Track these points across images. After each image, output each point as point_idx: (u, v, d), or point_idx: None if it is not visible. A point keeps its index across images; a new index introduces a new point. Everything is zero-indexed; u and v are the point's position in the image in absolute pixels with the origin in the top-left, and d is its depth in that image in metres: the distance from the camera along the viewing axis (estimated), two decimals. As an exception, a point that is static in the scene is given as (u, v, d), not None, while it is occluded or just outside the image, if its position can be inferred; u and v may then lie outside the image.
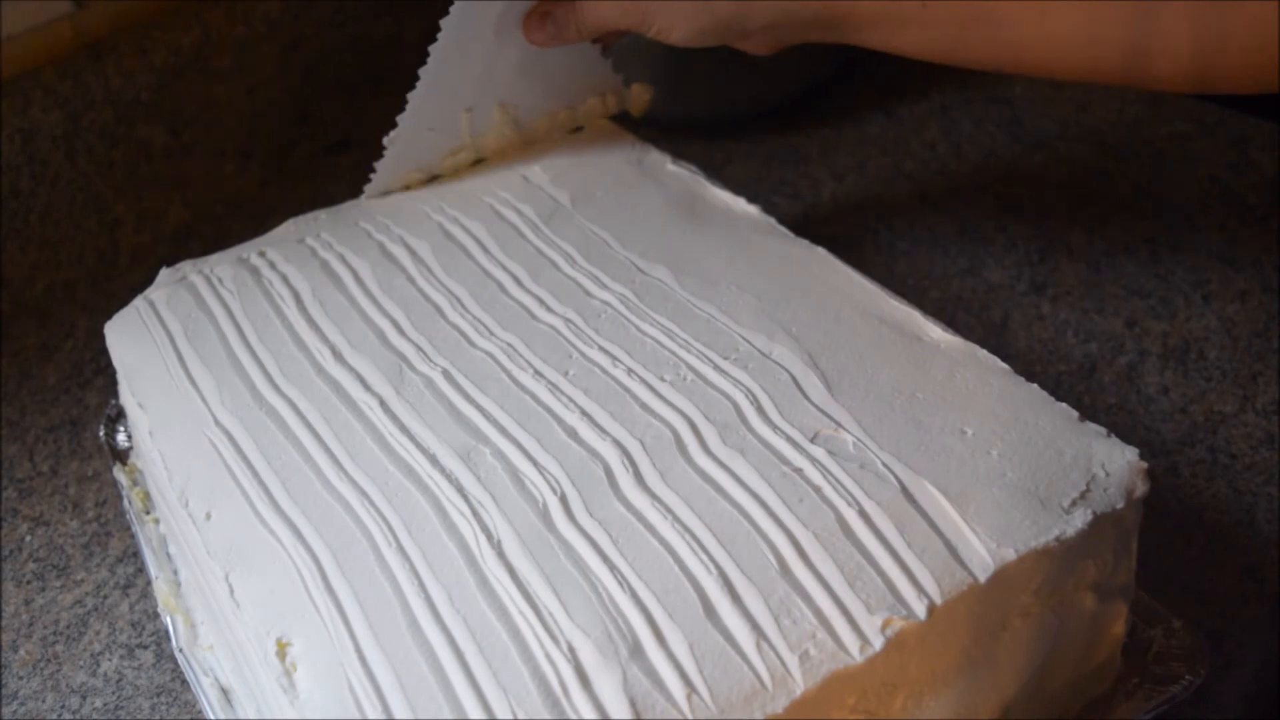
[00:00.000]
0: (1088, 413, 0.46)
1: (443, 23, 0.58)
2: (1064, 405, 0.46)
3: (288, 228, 0.61)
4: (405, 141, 0.61)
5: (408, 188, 0.63)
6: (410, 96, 0.60)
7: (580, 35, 0.60)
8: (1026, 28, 0.50)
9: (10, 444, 0.68)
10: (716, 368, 0.49)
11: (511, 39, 0.61)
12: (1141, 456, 0.44)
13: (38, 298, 0.78)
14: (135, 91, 0.81)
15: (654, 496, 0.44)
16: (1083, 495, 0.43)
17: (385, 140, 0.61)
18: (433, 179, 0.64)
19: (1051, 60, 0.51)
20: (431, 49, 0.59)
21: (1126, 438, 0.45)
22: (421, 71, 0.59)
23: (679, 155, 0.64)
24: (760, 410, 0.47)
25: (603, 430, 0.47)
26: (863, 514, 0.42)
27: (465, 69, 0.60)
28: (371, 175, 0.62)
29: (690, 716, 0.37)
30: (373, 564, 0.43)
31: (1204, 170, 0.80)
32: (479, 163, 0.64)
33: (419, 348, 0.52)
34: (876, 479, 0.43)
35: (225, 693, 0.49)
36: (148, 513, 0.57)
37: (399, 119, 0.60)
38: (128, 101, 0.80)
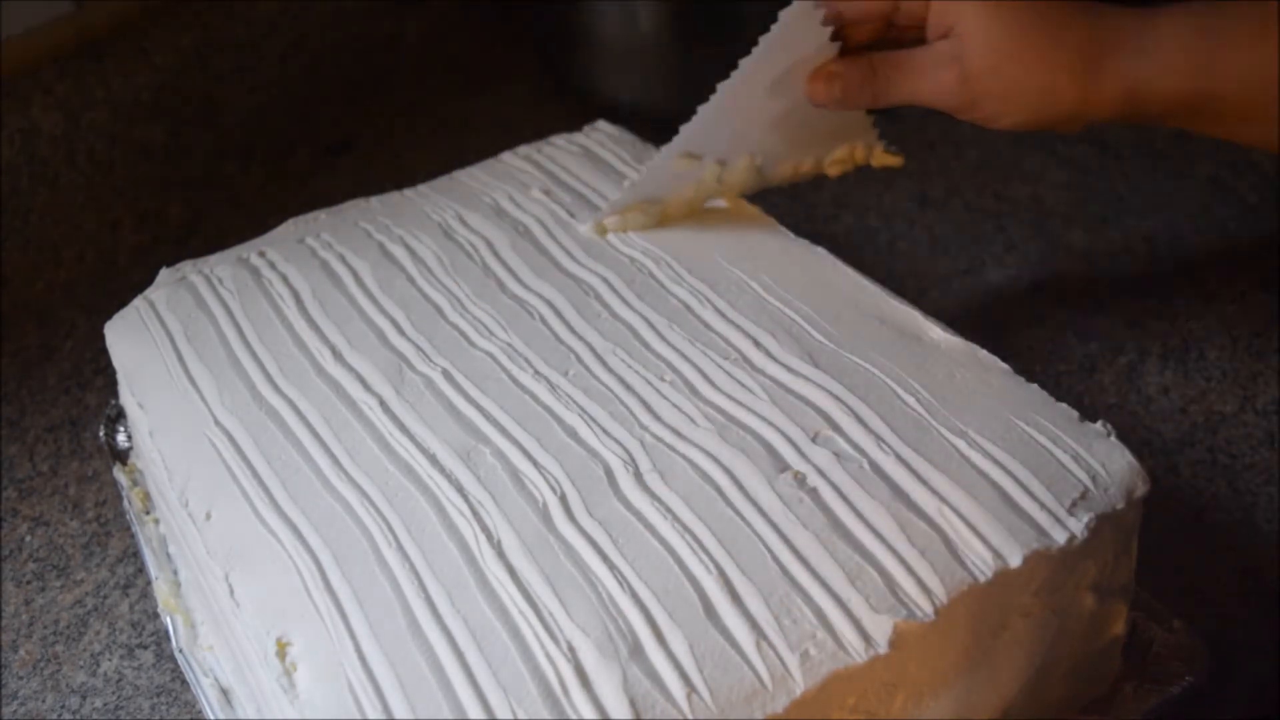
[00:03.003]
0: (1088, 413, 0.46)
1: (742, 62, 0.53)
2: (1064, 405, 0.46)
3: (288, 228, 0.61)
4: (653, 173, 0.56)
5: (624, 229, 0.57)
6: (684, 129, 0.55)
7: (875, 104, 0.54)
8: None
9: (10, 444, 0.68)
10: (718, 366, 0.49)
11: (784, 94, 0.54)
12: (1141, 456, 0.44)
13: (38, 298, 0.78)
14: (135, 91, 0.81)
15: (654, 496, 0.44)
16: (1083, 495, 0.43)
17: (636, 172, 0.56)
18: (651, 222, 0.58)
19: None
20: (720, 87, 0.53)
21: (1126, 438, 0.45)
22: (702, 109, 0.54)
23: (679, 155, 0.64)
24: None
25: (603, 430, 0.47)
26: (863, 514, 0.42)
27: (731, 122, 0.55)
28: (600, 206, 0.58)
29: (690, 716, 0.37)
30: (373, 564, 0.43)
31: (1204, 170, 0.80)
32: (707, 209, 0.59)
33: (419, 348, 0.52)
34: (876, 479, 0.43)
35: (225, 693, 0.49)
36: (148, 513, 0.57)
37: (663, 149, 0.56)
38: (128, 101, 0.80)
